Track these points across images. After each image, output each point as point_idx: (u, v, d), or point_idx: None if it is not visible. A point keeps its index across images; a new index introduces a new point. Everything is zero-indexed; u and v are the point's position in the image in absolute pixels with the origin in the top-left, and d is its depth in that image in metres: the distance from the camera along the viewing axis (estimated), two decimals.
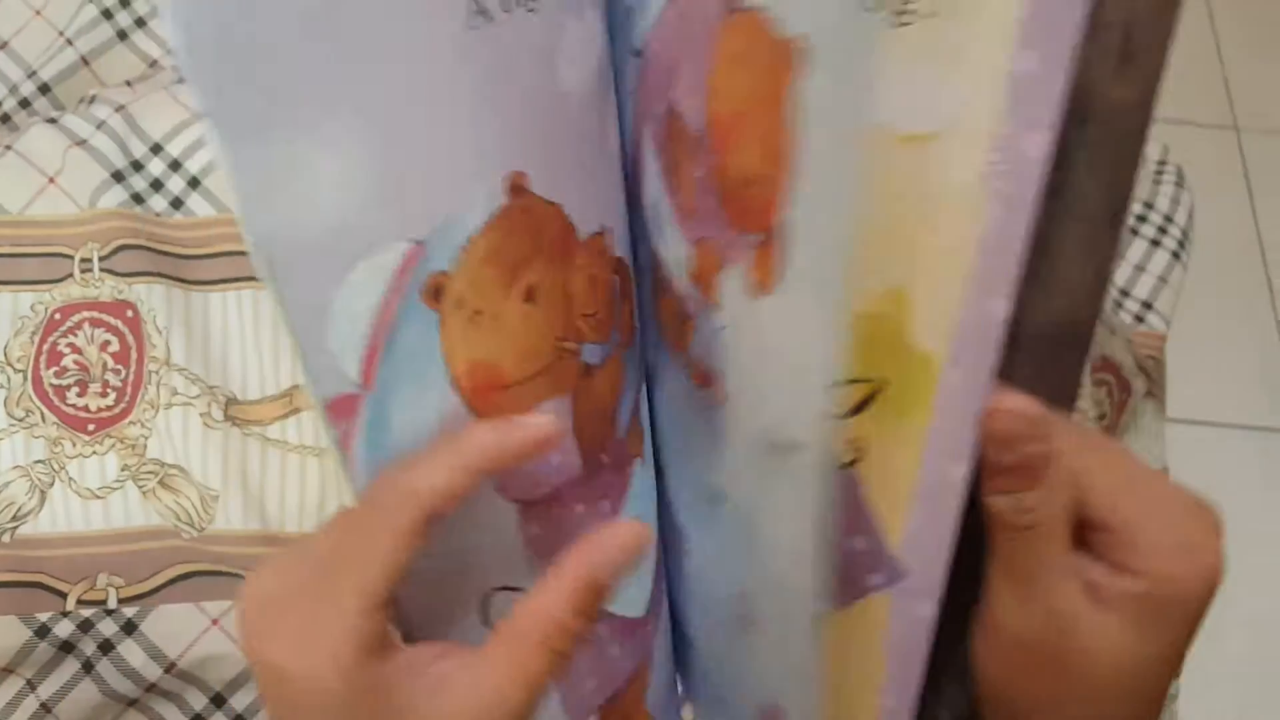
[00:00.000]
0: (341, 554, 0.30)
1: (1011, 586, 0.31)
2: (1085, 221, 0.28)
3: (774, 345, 0.35)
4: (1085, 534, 0.30)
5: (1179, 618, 0.30)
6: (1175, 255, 0.67)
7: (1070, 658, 0.31)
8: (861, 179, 0.30)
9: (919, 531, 0.32)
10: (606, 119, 0.37)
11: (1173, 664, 0.31)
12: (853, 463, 0.33)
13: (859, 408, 0.32)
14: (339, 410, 0.31)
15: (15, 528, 0.46)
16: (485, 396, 0.33)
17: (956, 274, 0.28)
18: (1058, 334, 0.30)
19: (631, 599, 0.42)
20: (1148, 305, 0.66)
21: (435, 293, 0.31)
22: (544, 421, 0.32)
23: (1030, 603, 0.31)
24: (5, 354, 0.48)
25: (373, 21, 0.27)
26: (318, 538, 0.31)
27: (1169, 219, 0.68)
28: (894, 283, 0.30)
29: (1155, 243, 0.67)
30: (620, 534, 0.31)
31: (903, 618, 0.34)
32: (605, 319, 0.36)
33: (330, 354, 0.30)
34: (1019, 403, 0.29)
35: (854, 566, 0.34)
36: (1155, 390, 0.64)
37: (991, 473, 0.30)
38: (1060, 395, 0.31)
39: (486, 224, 0.32)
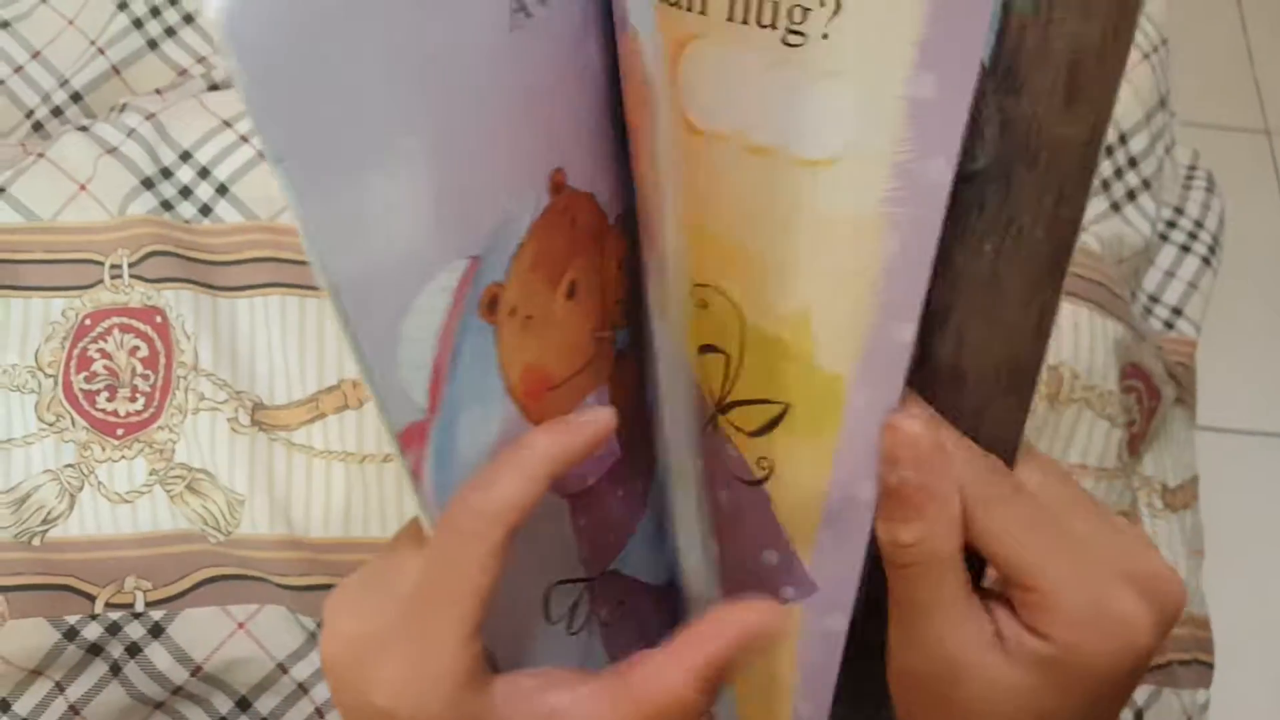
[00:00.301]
0: (433, 588, 0.29)
1: (901, 620, 0.30)
2: (1030, 262, 0.28)
3: (662, 367, 0.35)
4: (1003, 586, 0.30)
5: (1091, 687, 0.29)
6: (1205, 261, 0.67)
7: (965, 705, 0.30)
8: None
9: (829, 548, 0.32)
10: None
11: None
12: (762, 480, 0.33)
13: (766, 428, 0.32)
14: (409, 439, 0.30)
15: (45, 531, 0.46)
16: (537, 399, 0.33)
17: (860, 298, 0.28)
18: (1000, 376, 0.29)
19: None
20: (1177, 311, 0.65)
21: (491, 305, 0.31)
22: (600, 416, 0.31)
23: (919, 642, 0.30)
24: (36, 359, 0.49)
25: (421, 36, 0.26)
26: (398, 573, 0.31)
27: (1199, 224, 0.67)
28: (798, 306, 0.29)
29: (1185, 248, 0.67)
30: (754, 613, 0.30)
31: (814, 630, 0.34)
32: (630, 303, 0.36)
33: (400, 384, 0.29)
34: (910, 424, 0.29)
35: (767, 579, 0.34)
36: (1185, 397, 0.63)
37: (880, 495, 0.30)
38: (1002, 438, 0.30)
39: (533, 226, 0.31)
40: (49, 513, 0.46)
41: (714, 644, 0.29)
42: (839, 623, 0.34)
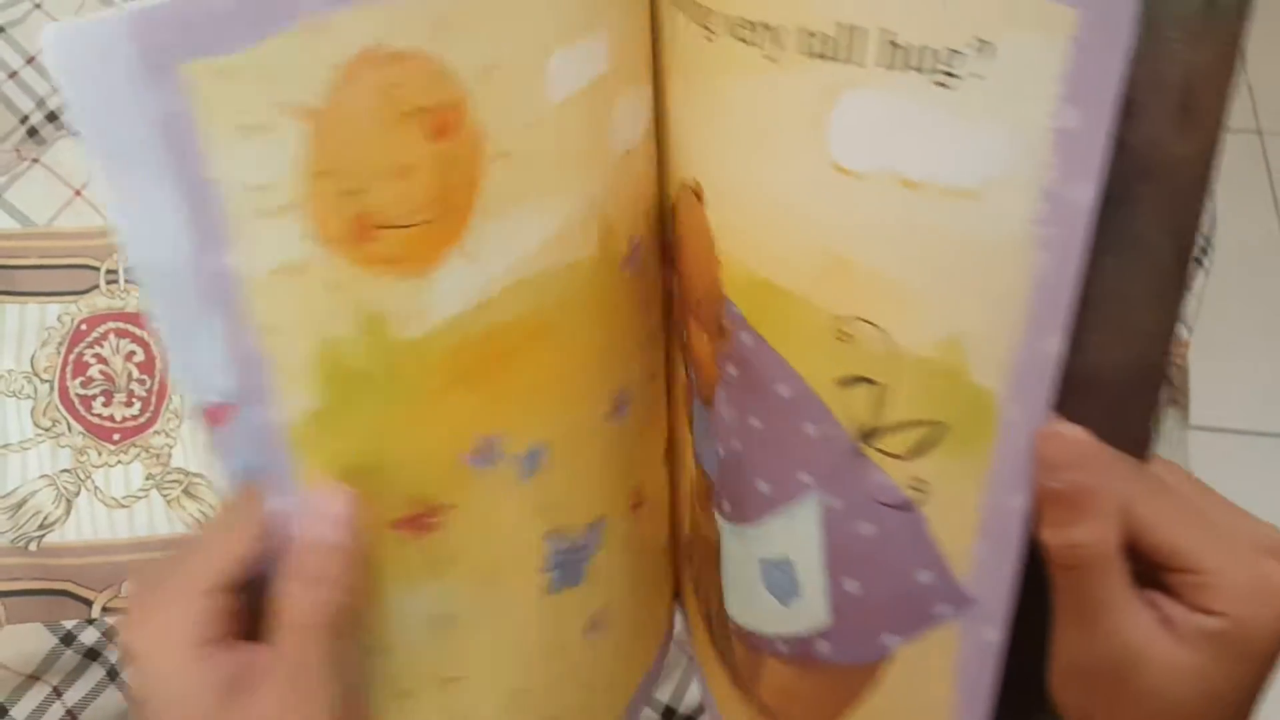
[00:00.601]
0: (194, 545, 0.33)
1: (1073, 620, 0.32)
2: (1152, 271, 0.30)
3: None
4: (1158, 574, 0.31)
5: (1255, 656, 0.31)
6: (1198, 261, 0.67)
7: (1138, 691, 0.31)
8: None
9: (985, 561, 0.33)
10: None
11: (1243, 705, 0.31)
12: (916, 502, 0.34)
13: (921, 449, 0.33)
14: (214, 416, 0.32)
15: (42, 536, 0.46)
16: None
17: (1011, 315, 0.30)
18: (1129, 379, 0.31)
19: None
20: None
21: None
22: (328, 496, 0.33)
23: (1094, 637, 0.31)
24: (33, 364, 0.49)
25: None
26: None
27: None
28: (951, 328, 0.31)
29: None
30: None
31: (970, 644, 0.35)
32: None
33: (205, 364, 0.31)
34: (1070, 430, 0.30)
35: (921, 600, 0.35)
36: (1178, 397, 0.64)
37: (1042, 503, 0.30)
38: (1133, 439, 0.32)
39: None
40: (46, 517, 0.47)
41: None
42: (995, 634, 0.34)
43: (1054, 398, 0.31)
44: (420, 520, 0.36)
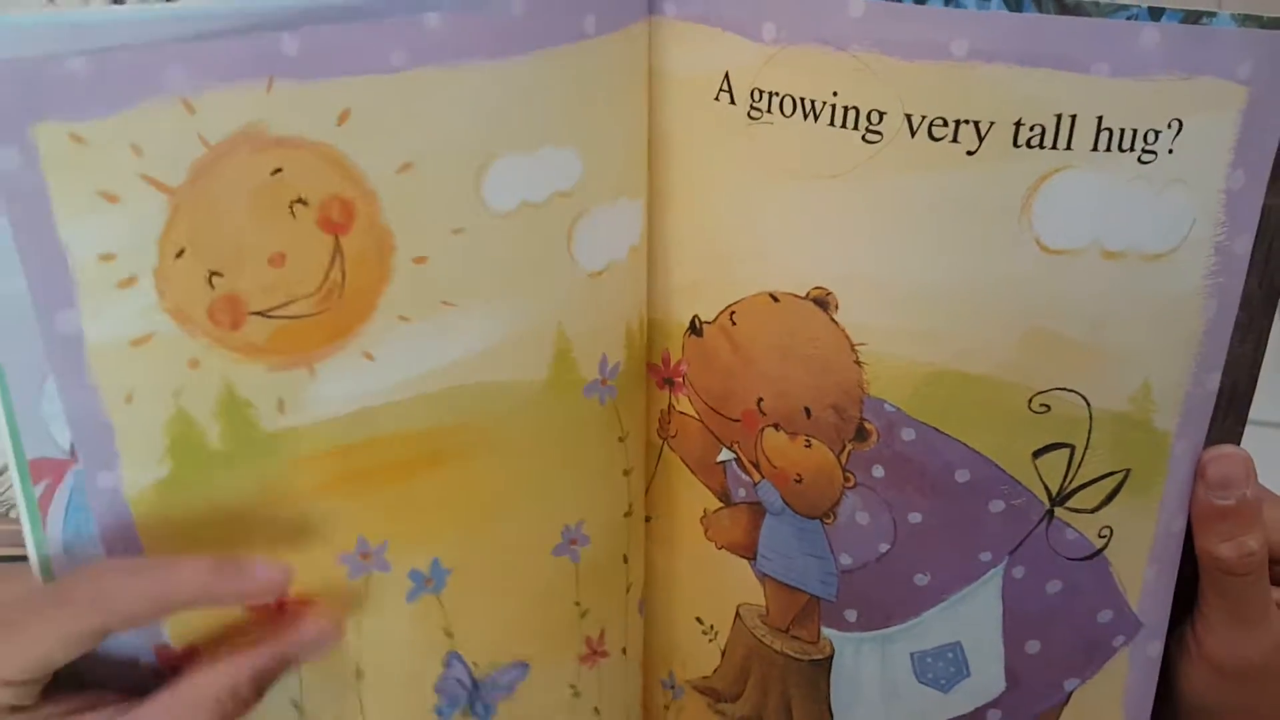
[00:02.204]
0: (4, 621, 0.31)
1: (1234, 622, 0.37)
2: (1245, 308, 0.35)
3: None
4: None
5: None
6: None
7: (1277, 672, 0.37)
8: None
9: (1152, 584, 0.37)
10: None
11: None
12: (1102, 549, 0.36)
13: (1109, 498, 0.36)
14: (43, 470, 0.32)
15: (6, 512, 0.45)
16: None
17: (1186, 359, 0.35)
18: (1223, 399, 0.36)
19: None
20: None
21: None
22: (271, 573, 0.32)
23: (1257, 635, 0.37)
24: None
25: None
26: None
27: None
28: (1142, 380, 0.35)
29: None
30: (316, 628, 0.34)
31: (1138, 664, 0.38)
32: None
33: (42, 419, 0.31)
34: (1234, 450, 0.34)
35: (1100, 637, 0.38)
36: None
37: (1212, 521, 0.35)
38: None
39: None
40: None
41: (280, 646, 0.33)
42: (1157, 649, 0.38)
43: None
44: (284, 608, 0.35)
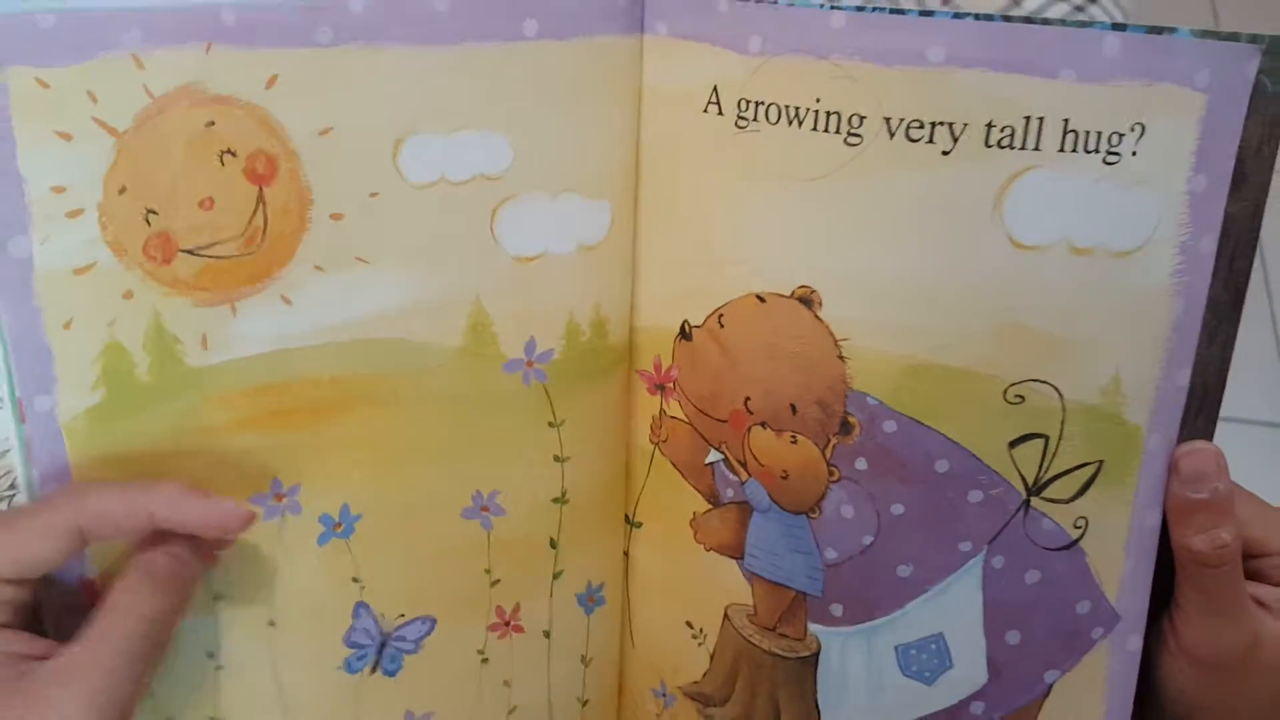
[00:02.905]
0: None
1: (1208, 613, 0.38)
2: (1212, 310, 0.37)
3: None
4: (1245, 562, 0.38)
5: None
6: None
7: (1260, 668, 0.38)
8: None
9: (1129, 578, 0.38)
10: None
11: None
12: (1078, 540, 0.38)
13: (1083, 489, 0.37)
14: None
15: (13, 496, 0.45)
16: None
17: (1156, 354, 0.37)
18: (1194, 399, 0.38)
19: None
20: None
21: None
22: (238, 509, 0.35)
23: (1230, 626, 0.38)
24: None
25: None
26: None
27: None
28: (1112, 373, 0.37)
29: None
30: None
31: (1118, 658, 0.39)
32: None
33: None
34: (1206, 445, 0.36)
35: (1080, 629, 0.38)
36: None
37: (1186, 514, 0.36)
38: None
39: None
40: (17, 478, 0.42)
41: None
42: (1136, 642, 0.39)
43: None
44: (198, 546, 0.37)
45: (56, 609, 0.36)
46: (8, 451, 0.42)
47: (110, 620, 0.33)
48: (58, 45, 0.33)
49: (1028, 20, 0.34)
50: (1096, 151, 0.34)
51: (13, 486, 0.44)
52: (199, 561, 0.36)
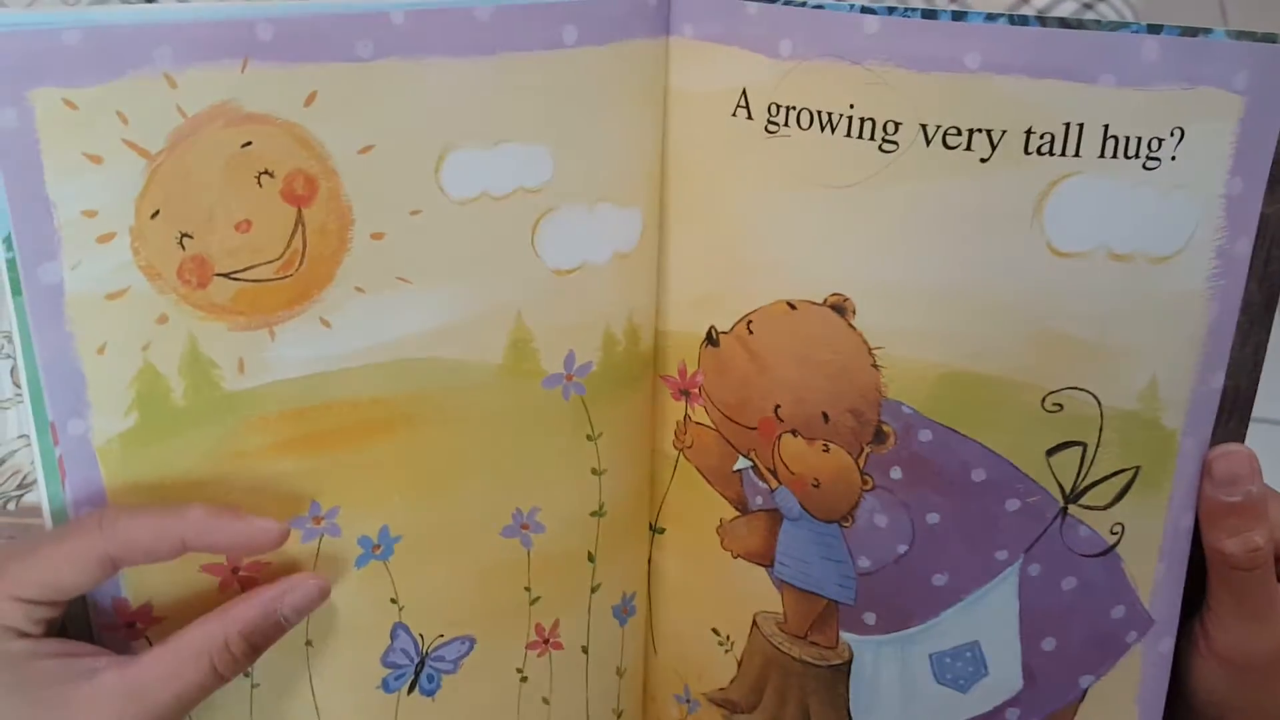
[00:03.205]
0: (19, 548, 0.33)
1: (1241, 617, 0.38)
2: (1246, 311, 0.36)
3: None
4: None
5: None
6: None
7: None
8: None
9: (1162, 581, 0.38)
10: None
11: None
12: (1114, 545, 0.38)
13: (1120, 495, 0.37)
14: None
15: (20, 495, 0.46)
16: None
17: (1191, 358, 0.36)
18: (1226, 402, 0.37)
19: None
20: None
21: None
22: (271, 528, 0.34)
23: (1263, 629, 0.38)
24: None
25: None
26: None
27: None
28: (1149, 378, 0.36)
29: None
30: (313, 584, 0.36)
31: (1150, 660, 0.39)
32: None
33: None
34: (1239, 448, 0.36)
35: (1113, 634, 0.39)
36: None
37: (1219, 517, 0.36)
38: None
39: None
40: (25, 477, 0.46)
41: (273, 601, 0.35)
42: (1168, 645, 0.39)
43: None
44: (235, 571, 0.37)
45: (91, 623, 0.35)
46: (15, 453, 0.43)
47: (183, 664, 0.33)
48: (85, 64, 0.31)
49: (1039, 19, 0.33)
50: (1136, 157, 0.34)
51: (20, 485, 0.44)
52: (292, 626, 0.35)
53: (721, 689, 0.45)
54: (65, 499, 0.34)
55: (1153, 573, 0.38)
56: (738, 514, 0.43)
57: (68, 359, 0.33)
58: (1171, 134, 0.34)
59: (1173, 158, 0.34)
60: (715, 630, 0.45)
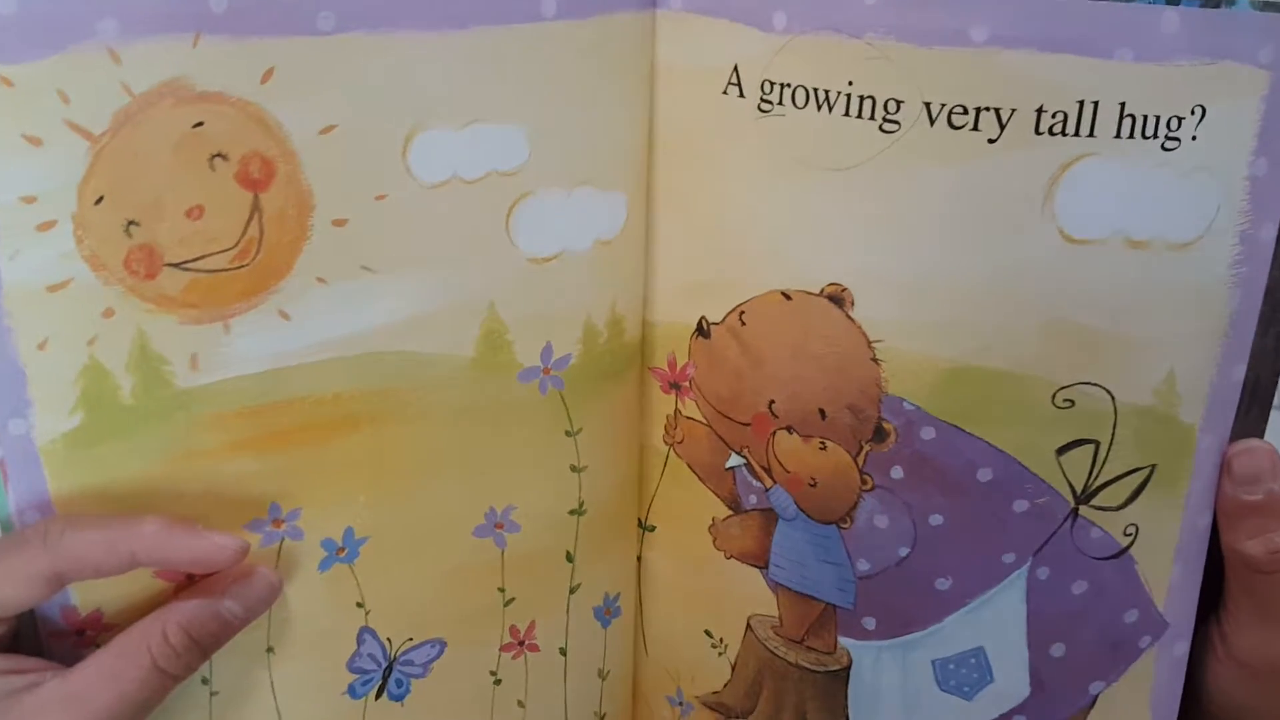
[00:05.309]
0: None
1: (1264, 624, 0.36)
2: (1268, 301, 0.34)
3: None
4: None
5: None
6: None
7: None
8: None
9: (1178, 583, 0.36)
10: None
11: None
12: (1128, 547, 0.36)
13: (1134, 495, 0.35)
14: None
15: None
16: None
17: (1211, 350, 0.34)
18: (1246, 394, 0.35)
19: None
20: None
21: None
22: (228, 544, 0.32)
23: None
24: None
25: None
26: None
27: None
28: (1166, 371, 0.34)
29: None
30: (258, 576, 0.34)
31: (1164, 665, 0.37)
32: None
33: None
34: (1260, 444, 0.33)
35: (1126, 638, 0.37)
36: None
37: (1239, 516, 0.34)
38: None
39: None
40: None
41: (219, 598, 0.33)
42: (1183, 649, 0.37)
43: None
44: (190, 576, 0.34)
45: (39, 632, 0.33)
46: None
47: (122, 663, 0.31)
48: (21, 37, 0.28)
49: None
50: (1155, 137, 0.32)
51: None
52: (243, 623, 0.33)
53: (715, 692, 0.43)
54: (8, 501, 0.32)
55: (1168, 575, 0.36)
56: (730, 513, 0.41)
57: (6, 354, 0.30)
58: (1192, 112, 0.31)
59: (1193, 138, 0.32)
60: (708, 632, 0.43)
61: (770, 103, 0.35)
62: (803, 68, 0.34)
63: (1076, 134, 0.32)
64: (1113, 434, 0.34)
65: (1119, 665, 0.37)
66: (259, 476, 0.35)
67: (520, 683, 0.42)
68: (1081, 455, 0.35)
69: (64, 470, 0.32)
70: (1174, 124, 0.31)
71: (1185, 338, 0.34)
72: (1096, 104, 0.31)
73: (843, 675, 0.39)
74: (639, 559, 0.44)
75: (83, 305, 0.31)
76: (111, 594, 0.33)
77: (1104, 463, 0.35)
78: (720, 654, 0.43)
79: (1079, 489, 0.35)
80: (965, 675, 0.38)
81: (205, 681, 0.36)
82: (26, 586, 0.30)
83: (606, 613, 0.44)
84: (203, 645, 0.32)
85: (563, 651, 0.43)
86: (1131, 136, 0.32)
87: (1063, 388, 0.34)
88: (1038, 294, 0.33)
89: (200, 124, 0.31)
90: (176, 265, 0.32)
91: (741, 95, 0.35)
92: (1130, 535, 0.35)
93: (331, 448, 0.35)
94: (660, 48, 0.37)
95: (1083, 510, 0.35)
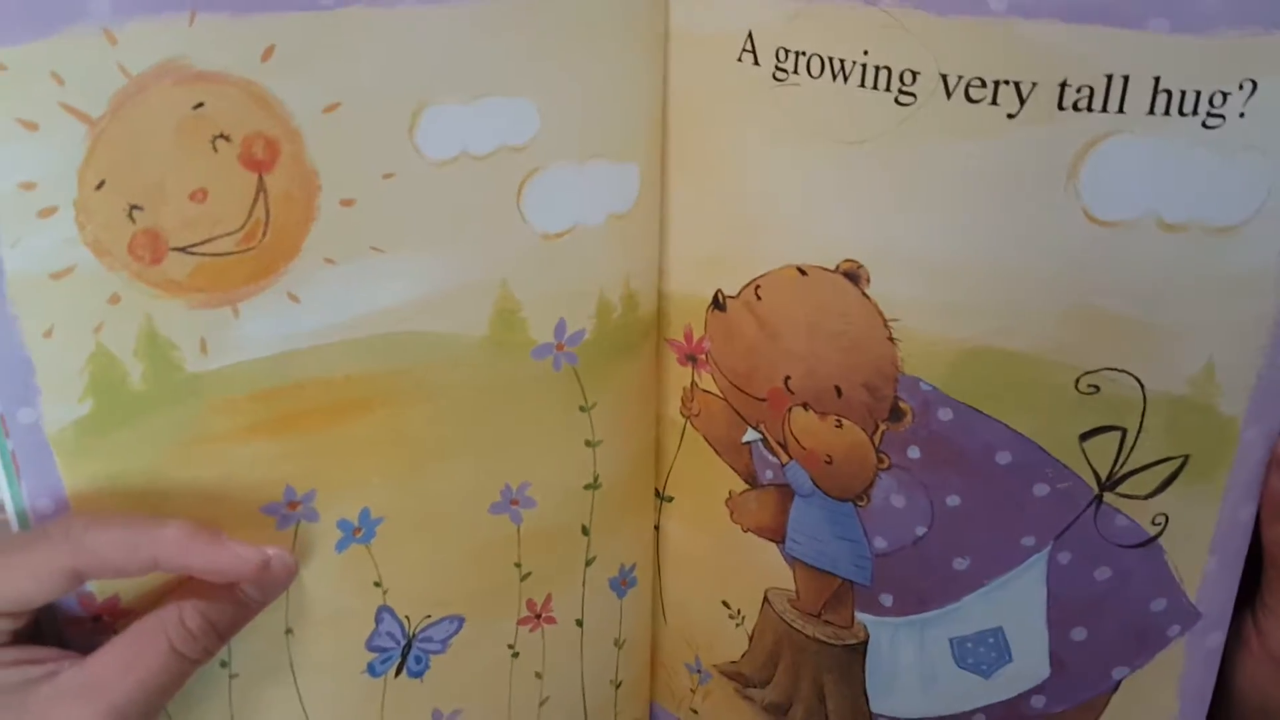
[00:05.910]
0: None
1: None
2: None
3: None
4: None
5: None
6: None
7: None
8: None
9: (1214, 574, 0.34)
10: None
11: None
12: (1156, 536, 0.35)
13: (1164, 485, 0.34)
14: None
15: None
16: None
17: (1258, 341, 0.32)
18: None
19: None
20: None
21: None
22: (250, 555, 0.32)
23: None
24: None
25: None
26: None
27: None
28: (1205, 361, 0.32)
29: None
30: (274, 558, 0.33)
31: (1195, 655, 0.36)
32: None
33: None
34: None
35: (1154, 627, 0.36)
36: None
37: None
38: None
39: None
40: None
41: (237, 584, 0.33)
42: (1218, 640, 0.36)
43: None
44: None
45: (57, 620, 0.34)
46: None
47: (138, 648, 0.31)
48: (13, 19, 0.27)
49: None
50: (1195, 114, 0.30)
51: None
52: (260, 607, 0.34)
53: (733, 662, 0.43)
54: (22, 492, 0.32)
55: (1202, 565, 0.35)
56: (747, 486, 0.40)
57: (12, 343, 0.30)
58: (1240, 87, 0.29)
59: (1241, 115, 0.29)
60: (725, 603, 0.43)
61: (785, 71, 0.33)
62: (818, 35, 0.32)
63: (1104, 110, 0.30)
64: (1141, 422, 0.33)
65: (1145, 652, 0.36)
66: (273, 460, 0.35)
67: (538, 655, 0.43)
68: (1107, 442, 0.33)
69: (75, 459, 0.32)
70: (1218, 100, 0.29)
71: (1226, 327, 0.32)
72: (1126, 78, 0.29)
73: (860, 649, 0.39)
74: (657, 529, 0.44)
75: (87, 292, 0.31)
76: (128, 580, 0.34)
77: (1131, 451, 0.33)
78: (738, 625, 0.42)
79: (1104, 476, 0.34)
80: (983, 654, 0.37)
81: (224, 664, 0.36)
82: (47, 582, 0.30)
83: (623, 584, 0.44)
84: (220, 629, 0.33)
85: (579, 623, 0.43)
86: (1167, 113, 0.30)
87: (1087, 373, 0.33)
88: (1061, 275, 0.32)
89: (201, 105, 0.30)
90: (182, 249, 0.31)
91: (757, 63, 0.34)
92: (1159, 525, 0.34)
93: (345, 429, 0.35)
94: (674, 13, 0.36)
95: (1107, 497, 0.34)
